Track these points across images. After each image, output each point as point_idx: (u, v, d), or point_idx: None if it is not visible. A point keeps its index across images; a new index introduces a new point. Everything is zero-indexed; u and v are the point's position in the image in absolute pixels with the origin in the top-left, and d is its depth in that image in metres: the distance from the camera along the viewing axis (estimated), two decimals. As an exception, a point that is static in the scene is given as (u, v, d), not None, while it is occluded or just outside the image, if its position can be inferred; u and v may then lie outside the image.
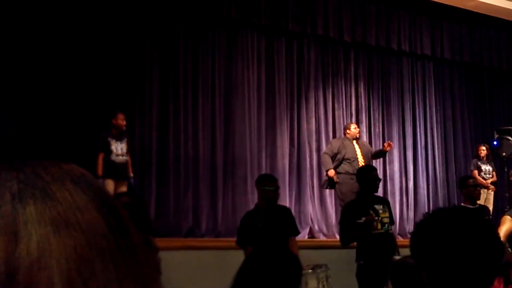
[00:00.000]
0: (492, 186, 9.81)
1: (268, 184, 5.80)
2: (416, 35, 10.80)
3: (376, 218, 5.77)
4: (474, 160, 9.95)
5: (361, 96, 10.57)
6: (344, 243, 6.02)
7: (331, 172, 8.36)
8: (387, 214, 5.95)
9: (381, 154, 9.00)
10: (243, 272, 2.24)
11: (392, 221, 6.06)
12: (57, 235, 0.60)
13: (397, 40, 10.61)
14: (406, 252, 6.14)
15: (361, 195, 6.17)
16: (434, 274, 1.51)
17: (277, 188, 5.84)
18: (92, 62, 8.17)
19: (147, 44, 8.72)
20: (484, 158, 9.96)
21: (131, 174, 7.81)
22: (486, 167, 9.90)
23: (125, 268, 0.62)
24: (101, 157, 7.46)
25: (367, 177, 6.10)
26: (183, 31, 9.03)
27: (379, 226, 5.80)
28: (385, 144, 8.87)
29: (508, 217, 3.79)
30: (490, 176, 9.90)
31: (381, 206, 5.95)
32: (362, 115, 10.49)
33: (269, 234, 5.57)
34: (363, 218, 5.68)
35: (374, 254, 5.67)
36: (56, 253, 0.59)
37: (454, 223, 1.54)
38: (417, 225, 1.63)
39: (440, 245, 1.51)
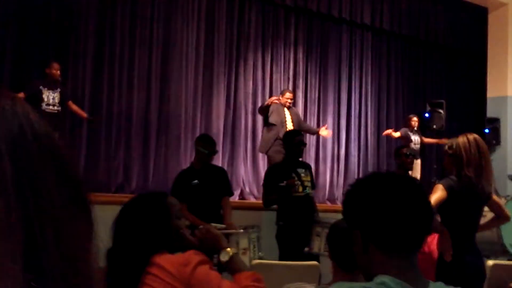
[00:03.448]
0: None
1: (203, 146, 5.87)
2: (357, 3, 10.84)
3: (297, 182, 5.91)
4: (403, 130, 10.14)
5: (299, 61, 10.58)
6: (266, 205, 6.26)
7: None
8: (308, 178, 6.16)
9: (312, 132, 9.13)
10: (119, 218, 2.30)
11: (313, 185, 6.29)
12: None
13: (338, 8, 10.62)
14: (326, 216, 6.31)
15: (286, 159, 6.32)
16: (369, 234, 1.54)
17: (212, 152, 5.87)
18: (27, 10, 7.84)
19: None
20: (415, 129, 10.21)
21: (85, 115, 7.82)
22: (415, 137, 10.15)
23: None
24: None
25: (292, 141, 6.24)
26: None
27: (300, 189, 6.00)
28: (323, 127, 8.95)
29: (441, 185, 3.87)
30: (419, 146, 10.17)
31: (303, 170, 6.17)
32: (299, 81, 10.52)
33: (202, 192, 5.60)
34: (285, 182, 5.85)
35: (294, 216, 5.89)
36: None
37: (387, 186, 1.58)
38: (350, 187, 1.64)
39: (374, 206, 1.54)
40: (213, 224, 4.67)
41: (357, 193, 1.61)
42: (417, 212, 1.54)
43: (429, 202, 1.67)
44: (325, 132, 8.83)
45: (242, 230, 4.86)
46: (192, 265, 2.09)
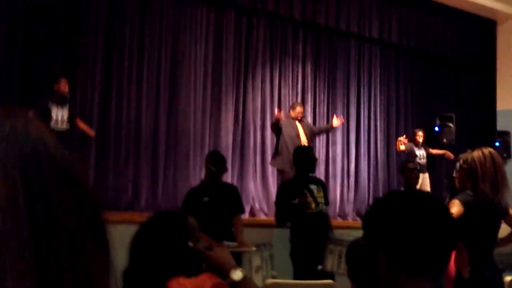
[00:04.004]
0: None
1: (212, 163, 5.84)
2: (365, 17, 10.82)
3: (310, 199, 5.83)
4: (409, 145, 10.06)
5: (307, 76, 10.55)
6: (279, 223, 6.15)
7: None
8: (321, 194, 6.05)
9: (326, 130, 9.11)
10: (137, 236, 2.24)
11: (326, 202, 6.17)
12: None
13: (346, 21, 10.60)
14: (338, 232, 6.24)
15: (297, 175, 6.23)
16: (393, 256, 1.48)
17: (221, 169, 5.83)
18: (35, 25, 7.87)
19: (92, 11, 8.44)
20: (420, 143, 10.14)
21: (93, 133, 7.82)
22: (421, 152, 10.09)
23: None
24: None
25: (303, 157, 6.20)
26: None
27: (313, 206, 5.90)
28: (336, 118, 8.90)
29: (457, 201, 3.81)
30: (425, 160, 10.11)
31: (315, 186, 6.06)
32: (307, 95, 10.49)
33: (213, 209, 5.55)
34: (297, 199, 5.77)
35: (307, 233, 5.81)
36: None
37: (409, 204, 1.53)
38: (370, 208, 1.60)
39: (397, 227, 1.49)
40: (225, 243, 4.63)
41: (378, 213, 1.56)
42: (442, 231, 1.49)
43: (453, 219, 1.62)
44: (336, 122, 8.80)
45: (254, 248, 4.79)
46: None
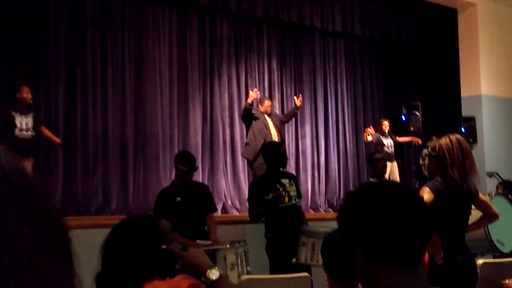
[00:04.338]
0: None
1: (182, 163, 5.81)
2: (327, 12, 10.85)
3: (283, 193, 5.85)
4: (376, 135, 10.17)
5: (273, 72, 10.56)
6: (253, 219, 6.16)
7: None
8: (294, 188, 6.09)
9: (293, 113, 9.09)
10: (110, 239, 2.22)
11: (299, 195, 6.20)
12: None
13: (310, 17, 10.63)
14: (311, 224, 6.26)
15: (268, 170, 6.24)
16: (370, 249, 1.47)
17: (191, 168, 5.81)
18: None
19: (52, 15, 8.32)
20: (387, 133, 10.26)
21: (58, 141, 7.61)
22: (388, 141, 10.22)
23: None
24: None
25: (275, 153, 6.20)
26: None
27: (287, 199, 5.93)
28: (296, 99, 8.90)
29: (427, 188, 3.84)
30: (392, 149, 10.23)
31: (287, 180, 6.09)
32: (274, 91, 10.50)
33: (186, 209, 5.53)
34: (271, 194, 5.78)
35: (282, 227, 5.82)
36: None
37: (383, 196, 1.52)
38: (343, 202, 1.58)
39: (373, 220, 1.47)
40: (199, 241, 4.61)
41: (352, 207, 1.54)
42: (418, 221, 1.49)
43: (427, 208, 1.62)
44: (298, 101, 8.76)
45: (228, 245, 4.78)
46: None
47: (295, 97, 9.02)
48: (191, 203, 5.64)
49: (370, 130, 10.01)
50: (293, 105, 9.20)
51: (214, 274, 2.13)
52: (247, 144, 8.40)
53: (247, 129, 8.44)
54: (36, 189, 0.57)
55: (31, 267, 0.52)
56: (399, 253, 1.46)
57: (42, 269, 0.53)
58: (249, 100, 8.36)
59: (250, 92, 8.61)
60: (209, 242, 5.16)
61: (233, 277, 4.41)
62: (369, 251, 1.47)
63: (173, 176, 8.73)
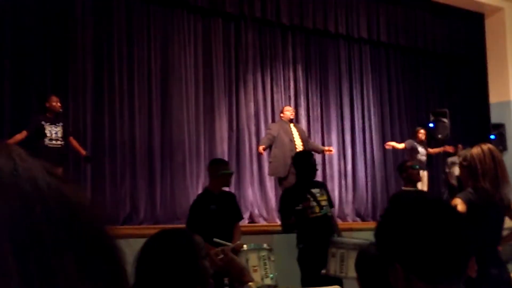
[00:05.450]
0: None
1: (226, 168, 5.81)
2: (353, 18, 10.81)
3: (313, 203, 5.79)
4: (409, 141, 10.07)
5: (299, 79, 10.53)
6: (286, 230, 6.16)
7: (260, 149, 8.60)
8: (325, 197, 6.01)
9: (317, 150, 9.04)
10: (142, 255, 2.17)
11: (330, 204, 6.12)
12: None
13: (335, 23, 10.59)
14: (346, 234, 6.21)
15: (299, 181, 6.18)
16: (410, 266, 1.44)
17: (232, 172, 5.98)
18: (24, 44, 7.81)
19: (79, 26, 8.39)
20: (422, 141, 10.14)
21: (84, 153, 7.68)
22: (422, 149, 10.09)
23: None
24: (20, 137, 7.07)
25: (306, 163, 6.12)
26: (117, 10, 8.75)
27: (317, 209, 5.85)
28: (327, 148, 9.07)
29: (459, 199, 3.77)
30: (425, 158, 10.11)
31: (318, 190, 6.00)
32: (300, 99, 10.47)
33: (220, 217, 5.50)
34: (301, 205, 5.74)
35: (313, 237, 5.76)
36: None
37: (422, 212, 1.48)
38: (382, 217, 1.55)
39: (413, 236, 1.44)
40: (216, 240, 4.53)
41: (391, 224, 1.51)
42: (457, 236, 1.45)
43: (466, 224, 1.58)
44: (327, 152, 9.01)
45: (245, 246, 4.74)
46: None
47: (327, 148, 9.19)
48: (225, 211, 5.62)
49: (392, 144, 10.11)
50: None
51: None
52: (270, 163, 8.50)
53: (270, 149, 8.54)
54: (82, 215, 0.53)
55: None
56: (440, 270, 1.43)
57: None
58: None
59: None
60: (229, 243, 5.14)
61: (256, 279, 4.36)
62: (408, 268, 1.44)
63: (200, 184, 8.77)
